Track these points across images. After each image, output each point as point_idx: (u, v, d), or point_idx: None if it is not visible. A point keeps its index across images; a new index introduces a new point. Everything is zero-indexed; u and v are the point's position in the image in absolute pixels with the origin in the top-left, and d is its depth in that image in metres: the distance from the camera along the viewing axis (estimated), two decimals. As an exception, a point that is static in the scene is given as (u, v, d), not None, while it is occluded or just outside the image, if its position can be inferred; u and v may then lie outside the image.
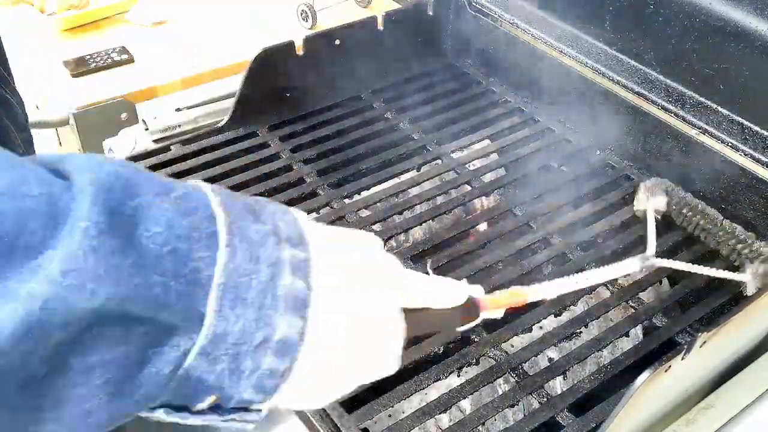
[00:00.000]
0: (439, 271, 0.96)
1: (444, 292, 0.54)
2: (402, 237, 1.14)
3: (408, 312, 0.50)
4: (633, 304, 0.93)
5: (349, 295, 0.44)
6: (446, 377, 0.83)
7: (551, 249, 1.01)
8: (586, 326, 0.91)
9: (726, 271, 0.91)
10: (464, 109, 1.29)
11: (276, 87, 1.21)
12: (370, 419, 0.78)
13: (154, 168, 1.11)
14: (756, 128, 1.01)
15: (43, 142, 1.70)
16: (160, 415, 0.41)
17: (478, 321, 0.57)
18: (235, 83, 1.19)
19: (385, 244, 1.01)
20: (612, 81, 1.17)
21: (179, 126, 1.19)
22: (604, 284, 0.95)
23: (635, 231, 1.04)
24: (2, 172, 0.33)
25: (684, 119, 1.09)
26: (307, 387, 0.43)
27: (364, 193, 1.11)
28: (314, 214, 1.06)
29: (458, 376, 0.85)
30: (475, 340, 0.87)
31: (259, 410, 0.43)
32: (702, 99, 1.06)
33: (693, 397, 0.83)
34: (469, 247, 1.00)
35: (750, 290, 0.90)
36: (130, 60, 1.55)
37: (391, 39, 1.30)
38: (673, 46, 1.07)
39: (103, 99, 1.43)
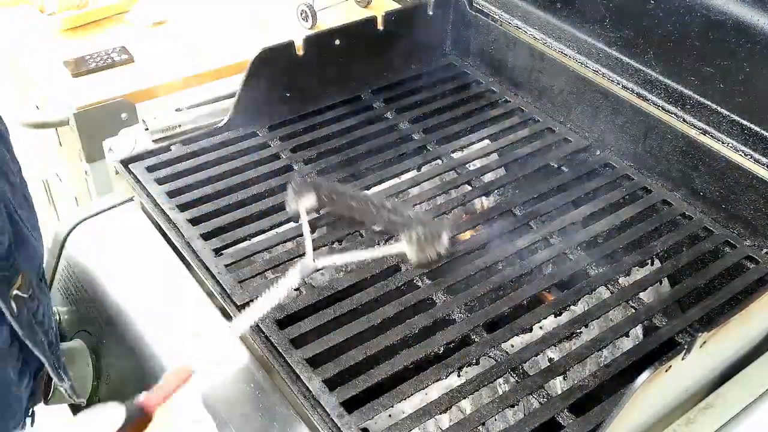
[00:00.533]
0: (440, 271, 0.96)
1: None
2: (402, 237, 1.15)
3: None
4: (633, 304, 0.93)
5: None
6: (446, 377, 0.83)
7: (551, 249, 1.01)
8: (586, 326, 0.91)
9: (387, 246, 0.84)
10: (464, 109, 1.29)
11: (276, 87, 1.21)
12: (371, 419, 0.78)
13: (154, 168, 1.11)
14: (756, 128, 1.01)
15: (43, 142, 1.70)
16: None
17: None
18: (235, 83, 1.19)
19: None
20: (612, 81, 1.17)
21: (179, 126, 1.19)
22: (604, 284, 0.95)
23: (636, 231, 1.04)
24: None
25: (684, 120, 1.09)
26: None
27: (364, 193, 1.11)
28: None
29: (458, 376, 0.85)
30: (476, 340, 0.87)
31: None
32: (702, 99, 1.06)
33: (693, 397, 0.83)
34: (469, 247, 1.00)
35: (411, 257, 0.80)
36: (130, 60, 1.54)
37: (391, 39, 1.30)
38: (674, 43, 1.07)
39: (103, 99, 1.43)
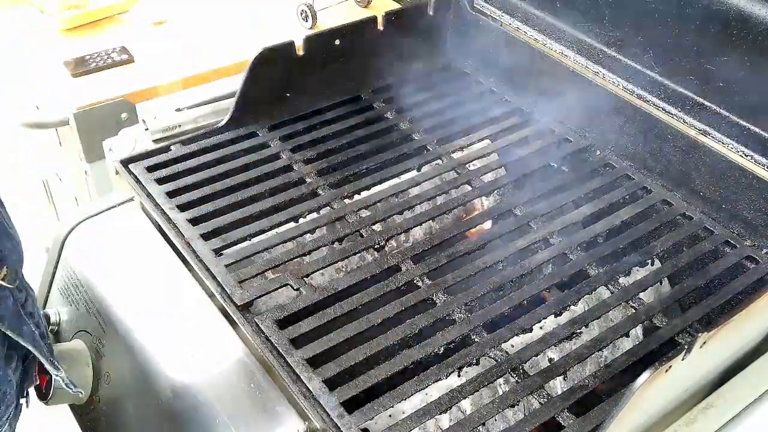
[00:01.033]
0: (440, 271, 0.96)
1: None
2: (402, 237, 1.15)
3: None
4: (633, 305, 0.93)
5: None
6: (447, 377, 0.83)
7: (551, 249, 1.01)
8: (586, 326, 0.91)
9: None
10: (464, 109, 1.29)
11: (276, 87, 1.21)
12: (371, 419, 0.78)
13: (154, 168, 1.11)
14: (756, 129, 1.01)
15: (43, 142, 1.71)
16: None
17: None
18: (235, 83, 1.19)
19: (385, 244, 1.01)
20: (612, 82, 1.17)
21: (179, 126, 1.19)
22: (605, 284, 0.95)
23: (636, 231, 1.04)
24: None
25: (684, 121, 1.09)
26: None
27: (364, 193, 1.11)
28: (314, 214, 1.06)
29: (459, 376, 0.85)
30: (476, 340, 0.87)
31: None
32: (702, 100, 1.06)
33: (693, 397, 0.83)
34: (469, 247, 1.00)
35: None
36: (130, 60, 1.55)
37: (391, 39, 1.30)
38: (674, 39, 1.07)
39: (103, 99, 1.43)
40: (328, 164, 1.15)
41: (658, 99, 1.12)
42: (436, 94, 1.32)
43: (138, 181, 1.08)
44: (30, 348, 0.85)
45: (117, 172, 1.12)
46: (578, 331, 0.90)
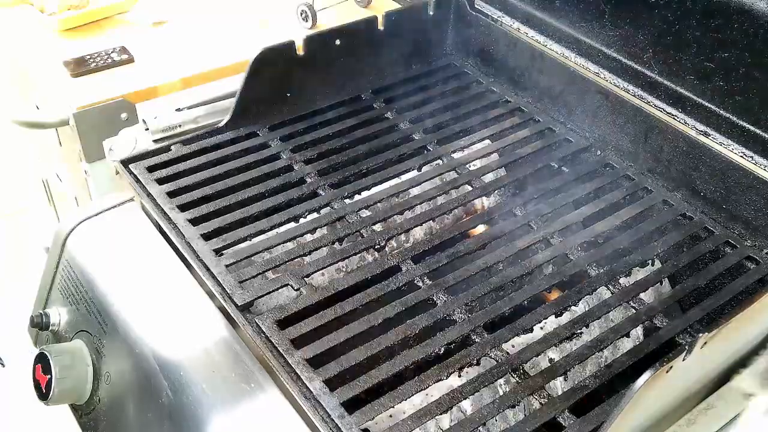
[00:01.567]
0: (440, 271, 0.96)
1: None
2: (402, 237, 1.15)
3: None
4: (634, 305, 0.93)
5: None
6: (447, 378, 0.83)
7: (551, 249, 1.01)
8: (586, 327, 0.91)
9: None
10: (464, 109, 1.29)
11: (276, 87, 1.21)
12: (371, 419, 0.78)
13: (154, 168, 1.11)
14: (756, 129, 1.01)
15: (43, 143, 1.71)
16: None
17: None
18: (235, 83, 1.18)
19: (385, 245, 1.01)
20: (612, 83, 1.17)
21: (179, 126, 1.19)
22: (605, 285, 0.95)
23: (636, 231, 1.04)
24: None
25: (684, 122, 1.09)
26: None
27: (365, 193, 1.11)
28: (315, 214, 1.06)
29: (459, 376, 0.85)
30: (476, 340, 0.87)
31: None
32: (701, 101, 1.06)
33: (694, 397, 0.83)
34: (469, 247, 1.00)
35: None
36: (130, 60, 1.54)
37: (391, 39, 1.30)
38: (674, 36, 1.07)
39: (103, 99, 1.43)
40: (328, 164, 1.15)
41: (658, 99, 1.12)
42: (436, 94, 1.32)
43: (138, 181, 1.08)
44: None
45: (117, 172, 1.12)
46: (579, 331, 0.90)
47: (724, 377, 0.86)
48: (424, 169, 1.17)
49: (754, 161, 1.02)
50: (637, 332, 0.99)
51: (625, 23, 1.14)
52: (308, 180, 1.11)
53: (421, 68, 1.37)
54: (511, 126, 1.25)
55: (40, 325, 1.10)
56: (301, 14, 1.70)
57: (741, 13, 0.98)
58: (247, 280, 0.94)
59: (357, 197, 1.10)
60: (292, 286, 0.94)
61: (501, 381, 0.86)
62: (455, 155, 1.19)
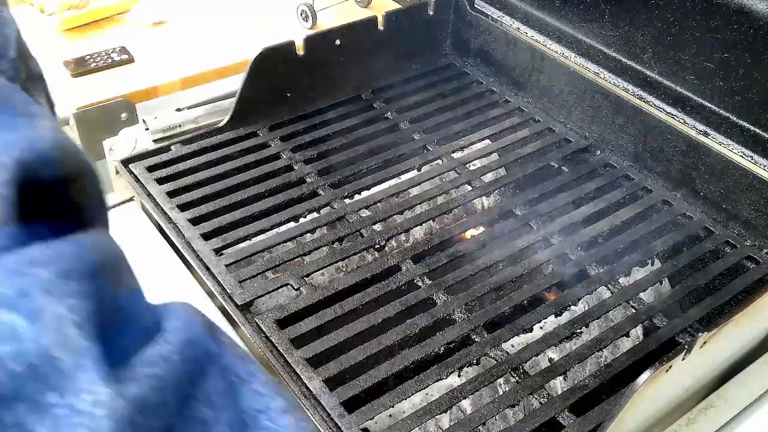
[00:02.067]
0: (440, 271, 0.96)
1: None
2: (402, 237, 1.15)
3: None
4: (633, 304, 0.93)
5: None
6: (447, 377, 0.83)
7: (551, 249, 1.01)
8: (586, 326, 0.91)
9: None
10: (464, 109, 1.29)
11: (276, 87, 1.21)
12: (371, 419, 0.78)
13: (154, 168, 1.11)
14: (756, 129, 1.01)
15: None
16: None
17: None
18: (235, 83, 1.19)
19: (385, 244, 1.01)
20: (612, 83, 1.17)
21: (179, 126, 1.19)
22: (605, 284, 0.95)
23: (636, 231, 1.04)
24: None
25: (684, 122, 1.09)
26: None
27: (365, 193, 1.11)
28: (315, 214, 1.06)
29: (459, 376, 0.85)
30: (476, 340, 0.87)
31: None
32: (701, 101, 1.06)
33: (693, 397, 0.83)
34: (469, 247, 1.00)
35: None
36: (130, 60, 1.54)
37: (391, 39, 1.30)
38: (674, 37, 1.07)
39: (103, 99, 1.43)
40: (328, 164, 1.15)
41: (658, 99, 1.12)
42: (436, 94, 1.32)
43: (138, 181, 1.08)
44: None
45: (117, 172, 1.12)
46: (578, 331, 0.90)
47: (724, 377, 0.86)
48: (424, 169, 1.17)
49: (753, 161, 1.02)
50: (637, 332, 0.99)
51: (625, 23, 1.14)
52: (308, 180, 1.11)
53: (421, 68, 1.37)
54: (511, 126, 1.25)
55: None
56: (301, 14, 1.70)
57: (741, 14, 0.98)
58: (247, 279, 0.94)
59: (357, 197, 1.10)
60: (292, 286, 0.94)
61: (501, 380, 0.86)
62: (455, 155, 1.19)
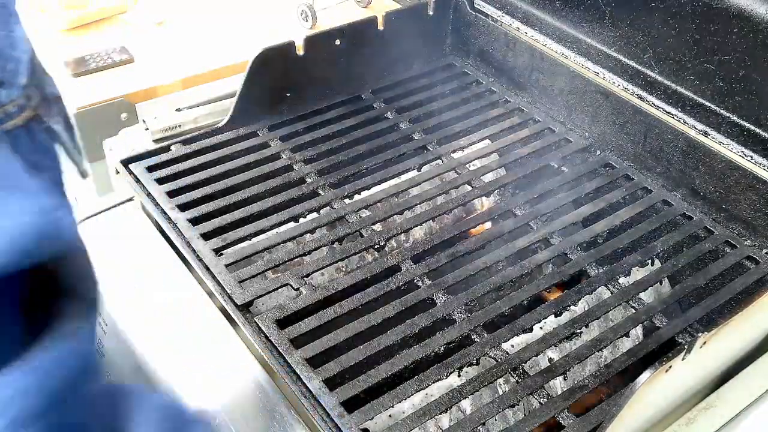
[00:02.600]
0: (440, 271, 0.96)
1: None
2: (402, 237, 1.15)
3: None
4: (633, 305, 0.93)
5: None
6: (447, 377, 0.83)
7: (551, 249, 1.01)
8: (586, 326, 0.91)
9: None
10: (464, 109, 1.29)
11: (276, 87, 1.21)
12: (371, 419, 0.78)
13: (155, 168, 1.11)
14: (756, 129, 1.01)
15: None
16: None
17: None
18: (235, 83, 1.19)
19: (385, 244, 1.01)
20: (612, 83, 1.17)
21: (179, 126, 1.19)
22: (605, 285, 0.95)
23: (636, 231, 1.04)
24: None
25: (684, 122, 1.09)
26: None
27: (365, 193, 1.11)
28: (314, 214, 1.06)
29: (459, 376, 0.85)
30: (476, 340, 0.87)
31: None
32: (701, 100, 1.06)
33: (693, 397, 0.83)
34: (469, 247, 1.00)
35: None
36: (130, 60, 1.55)
37: (391, 39, 1.30)
38: (674, 38, 1.07)
39: (103, 99, 1.43)
40: (328, 164, 1.15)
41: (658, 99, 1.12)
42: (436, 94, 1.32)
43: (138, 181, 1.08)
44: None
45: (117, 172, 1.12)
46: (578, 331, 0.90)
47: (724, 377, 0.86)
48: (424, 169, 1.17)
49: (753, 161, 1.02)
50: (637, 332, 0.99)
51: (625, 23, 1.14)
52: (308, 180, 1.11)
53: (421, 68, 1.37)
54: (511, 126, 1.25)
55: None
56: (301, 14, 1.70)
57: (740, 18, 0.98)
58: (246, 279, 0.94)
59: (357, 197, 1.10)
60: (291, 286, 0.94)
61: (500, 381, 0.86)
62: (455, 155, 1.19)
